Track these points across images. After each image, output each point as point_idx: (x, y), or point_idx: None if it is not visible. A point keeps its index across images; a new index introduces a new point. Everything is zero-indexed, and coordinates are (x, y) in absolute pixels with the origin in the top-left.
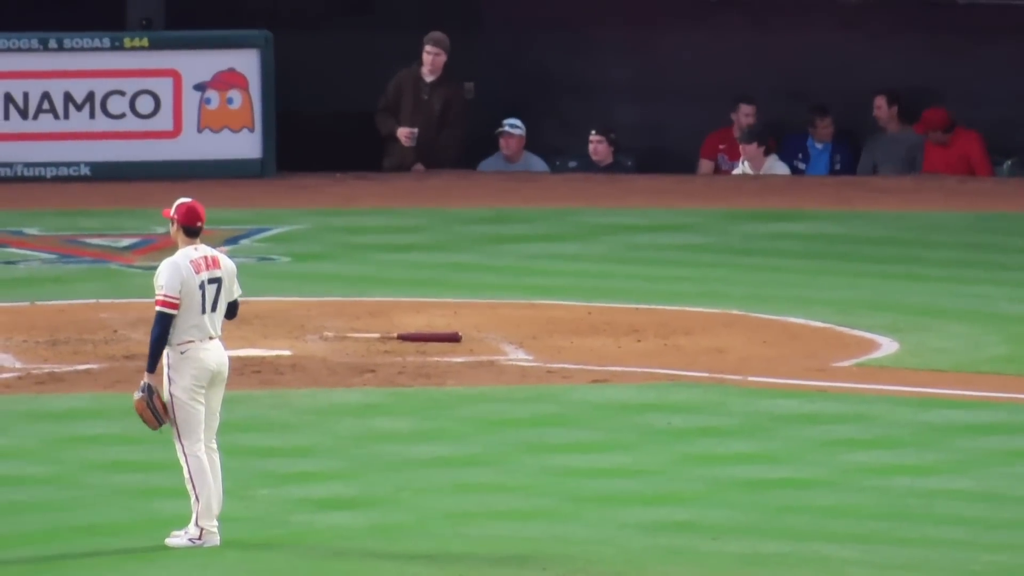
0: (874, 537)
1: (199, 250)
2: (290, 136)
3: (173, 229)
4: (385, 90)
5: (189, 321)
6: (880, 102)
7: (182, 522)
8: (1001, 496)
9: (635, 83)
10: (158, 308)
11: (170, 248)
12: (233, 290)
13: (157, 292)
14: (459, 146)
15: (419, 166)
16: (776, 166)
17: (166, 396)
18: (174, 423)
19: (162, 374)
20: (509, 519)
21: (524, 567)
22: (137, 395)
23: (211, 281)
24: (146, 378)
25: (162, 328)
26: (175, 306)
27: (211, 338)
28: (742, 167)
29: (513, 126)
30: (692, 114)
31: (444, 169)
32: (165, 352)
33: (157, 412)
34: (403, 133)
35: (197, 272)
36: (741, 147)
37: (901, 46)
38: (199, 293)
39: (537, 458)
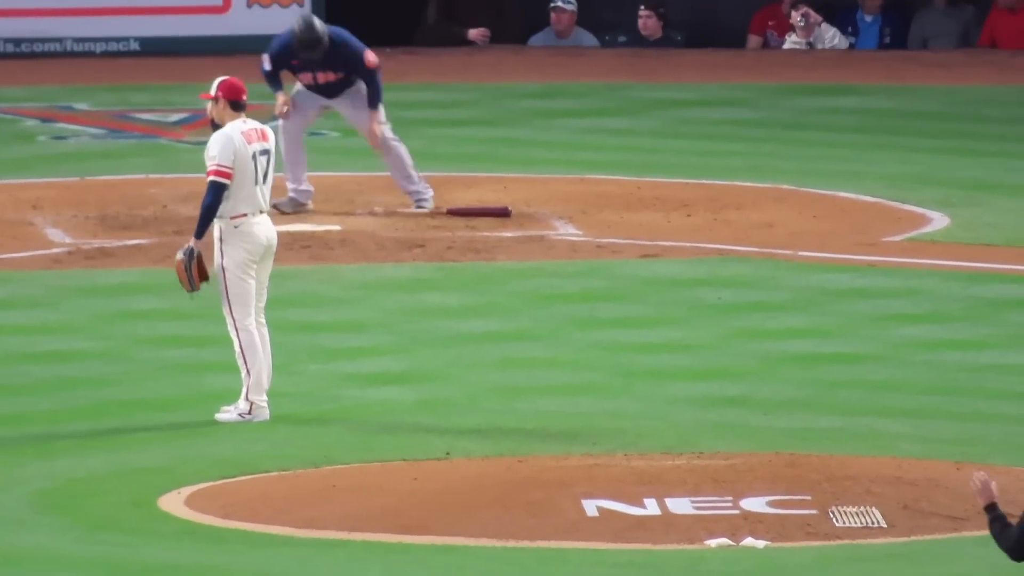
0: (925, 412)
1: (247, 123)
2: (340, 10)
3: (218, 108)
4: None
5: (242, 192)
6: None
7: (232, 397)
8: None
9: None
10: (212, 178)
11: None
12: None
13: (209, 163)
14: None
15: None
16: (827, 30)
17: (216, 269)
18: (225, 297)
19: (211, 245)
20: (559, 394)
21: (574, 442)
22: (179, 256)
23: (262, 152)
24: (192, 243)
25: (214, 197)
26: (229, 175)
27: (262, 211)
28: (791, 40)
29: (566, 1)
30: None
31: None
32: (217, 225)
33: (193, 276)
34: (477, 34)
35: (249, 143)
36: (794, 13)
37: None
38: (252, 164)
39: (587, 333)
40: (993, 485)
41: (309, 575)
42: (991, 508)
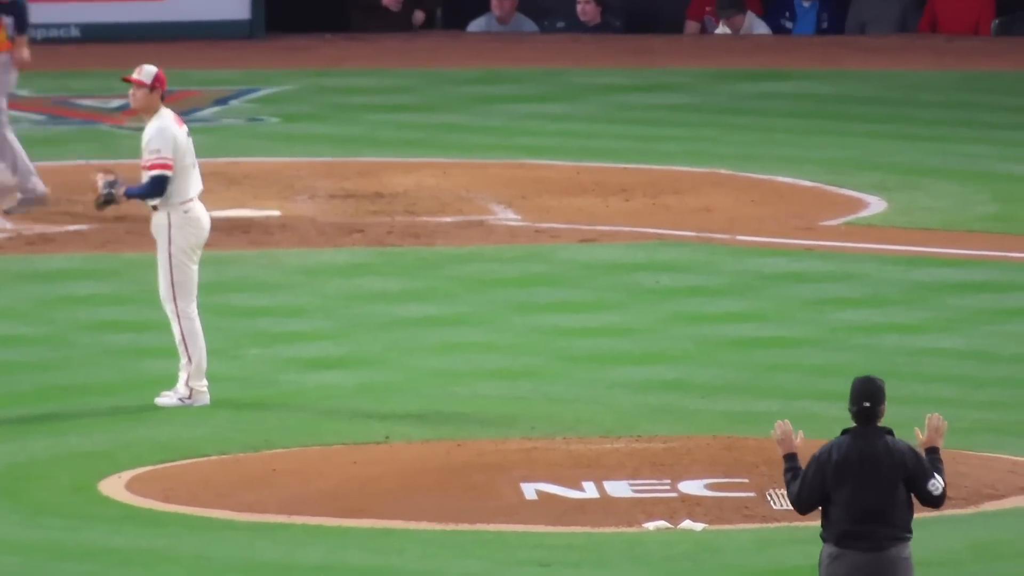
0: None
1: (168, 109)
2: None
3: (151, 96)
4: None
5: (186, 177)
6: None
7: (172, 382)
8: (990, 354)
9: None
10: (158, 172)
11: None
12: None
13: (152, 156)
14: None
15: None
16: (755, 24)
17: (162, 257)
18: (171, 284)
19: (161, 228)
20: (498, 378)
21: (513, 426)
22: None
23: (188, 135)
24: (121, 192)
25: (157, 190)
26: (172, 168)
27: (200, 194)
28: (722, 28)
29: None
30: None
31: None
32: (164, 212)
33: (103, 199)
34: (392, 1)
35: (180, 126)
36: (723, 22)
37: None
38: (188, 142)
39: (526, 317)
40: (798, 437)
41: (250, 559)
42: (790, 458)
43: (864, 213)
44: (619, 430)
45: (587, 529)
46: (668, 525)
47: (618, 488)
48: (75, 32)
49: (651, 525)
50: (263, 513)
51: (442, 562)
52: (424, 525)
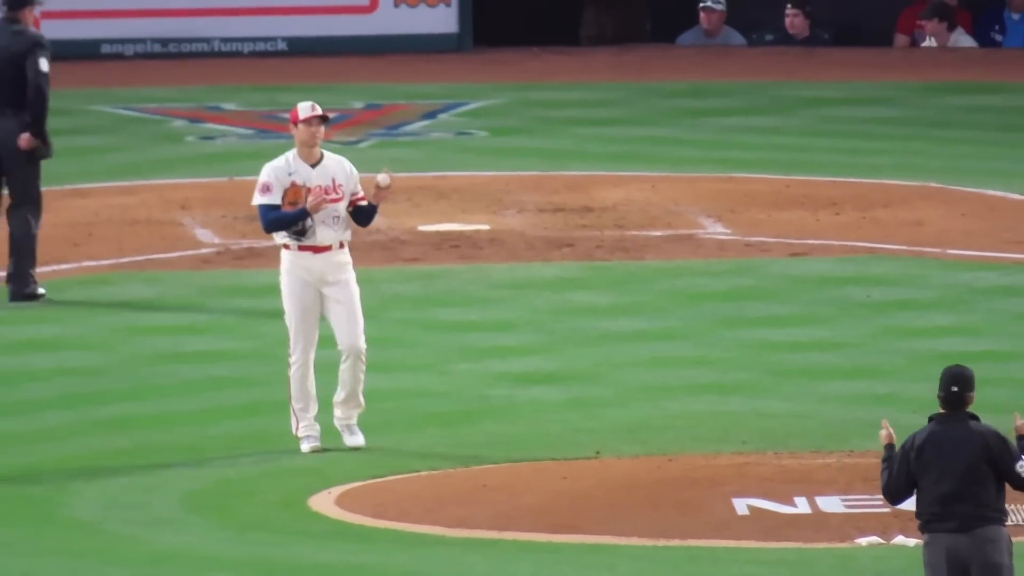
0: None
1: None
2: (487, 10)
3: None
4: None
5: None
6: None
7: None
8: None
9: None
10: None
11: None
12: None
13: (362, 188)
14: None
15: None
16: (961, 39)
17: (358, 292)
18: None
19: (350, 264)
20: (708, 393)
21: (724, 440)
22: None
23: None
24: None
25: None
26: None
27: None
28: (929, 41)
29: (716, 1)
30: None
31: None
32: (347, 248)
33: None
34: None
35: None
36: (922, 23)
37: None
38: None
39: (736, 332)
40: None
41: (460, 574)
42: (888, 448)
43: None
44: (831, 445)
45: (799, 545)
46: (881, 540)
47: (830, 503)
48: (282, 46)
49: (863, 540)
50: (473, 528)
51: None
52: (635, 541)
